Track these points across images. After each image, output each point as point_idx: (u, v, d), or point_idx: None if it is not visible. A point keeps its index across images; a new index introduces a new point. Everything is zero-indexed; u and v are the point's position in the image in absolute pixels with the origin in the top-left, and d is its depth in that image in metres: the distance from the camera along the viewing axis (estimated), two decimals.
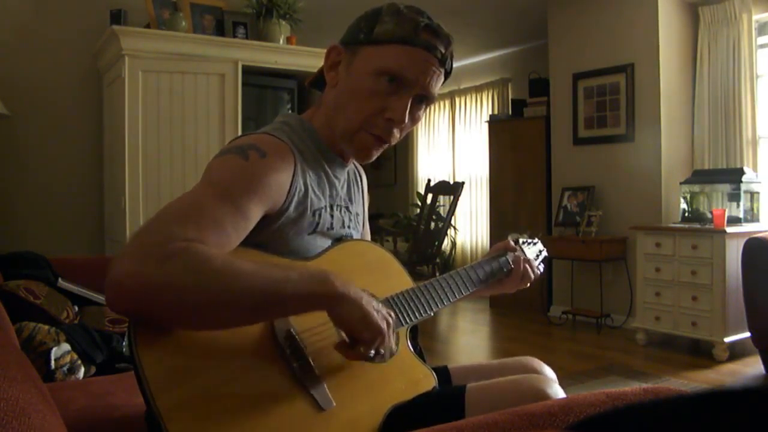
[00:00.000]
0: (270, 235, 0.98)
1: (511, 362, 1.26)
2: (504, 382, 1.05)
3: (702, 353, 3.70)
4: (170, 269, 0.75)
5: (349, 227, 1.14)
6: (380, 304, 0.93)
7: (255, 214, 0.92)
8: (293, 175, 0.99)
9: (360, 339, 0.89)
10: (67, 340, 1.79)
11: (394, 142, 1.07)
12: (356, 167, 1.25)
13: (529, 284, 1.35)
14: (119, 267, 0.76)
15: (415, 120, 1.07)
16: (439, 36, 1.03)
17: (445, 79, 1.08)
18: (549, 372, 1.24)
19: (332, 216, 1.08)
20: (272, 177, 0.95)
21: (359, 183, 1.26)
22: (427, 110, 1.21)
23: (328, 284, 0.85)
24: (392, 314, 0.96)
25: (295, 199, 0.99)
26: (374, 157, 1.09)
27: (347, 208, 1.14)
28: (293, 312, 0.88)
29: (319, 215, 1.05)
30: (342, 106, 1.04)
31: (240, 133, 3.68)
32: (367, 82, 1.02)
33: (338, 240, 1.10)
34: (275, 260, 0.97)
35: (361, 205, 1.25)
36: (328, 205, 1.07)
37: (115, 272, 0.75)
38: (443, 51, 1.03)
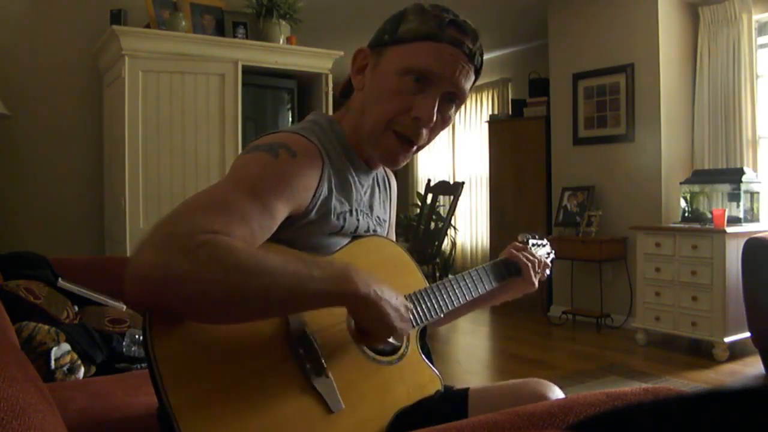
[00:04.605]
0: (290, 234, 0.97)
1: (520, 385, 1.19)
2: (506, 385, 1.04)
3: (702, 353, 3.70)
4: (196, 260, 0.74)
5: (375, 232, 1.13)
6: (401, 301, 0.93)
7: (281, 213, 0.91)
8: (320, 178, 0.98)
9: (373, 336, 0.92)
10: (67, 340, 1.79)
11: (422, 143, 1.04)
12: (386, 172, 1.23)
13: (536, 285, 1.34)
14: (142, 257, 0.74)
15: (445, 120, 1.04)
16: (465, 31, 1.01)
17: (476, 78, 1.05)
18: (559, 394, 1.17)
19: (358, 220, 1.07)
20: (300, 178, 0.94)
21: (388, 189, 1.24)
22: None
23: (351, 283, 0.84)
24: (411, 310, 0.96)
25: (319, 202, 0.98)
26: (402, 163, 1.06)
27: (368, 214, 1.12)
28: (312, 308, 0.89)
29: (344, 219, 1.03)
30: (368, 109, 1.02)
31: (240, 133, 3.68)
32: (393, 82, 1.00)
33: (356, 236, 1.09)
34: (298, 253, 0.96)
35: (388, 210, 1.23)
36: (353, 209, 1.06)
37: (138, 262, 0.74)
38: (471, 46, 1.00)
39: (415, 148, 1.04)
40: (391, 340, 0.96)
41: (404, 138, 1.02)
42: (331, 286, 0.83)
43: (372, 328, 0.90)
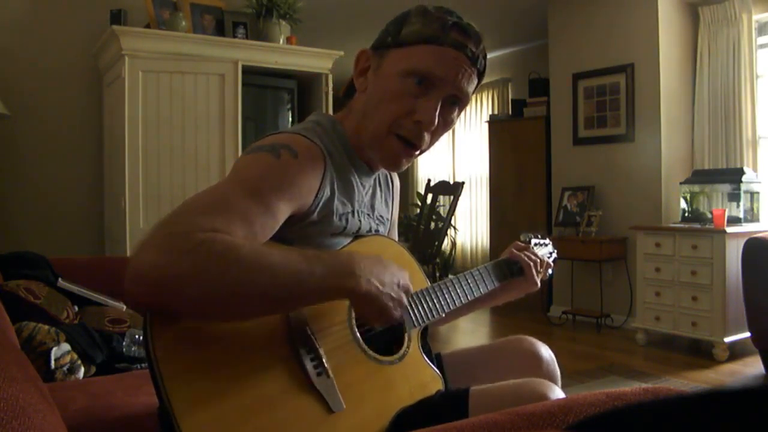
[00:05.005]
0: (292, 234, 0.97)
1: (504, 344, 1.26)
2: (506, 385, 1.05)
3: (702, 353, 3.70)
4: (196, 259, 0.74)
5: (377, 231, 1.14)
6: (402, 284, 0.94)
7: (283, 214, 0.91)
8: (322, 179, 0.98)
9: (373, 324, 0.97)
10: (67, 340, 1.79)
11: (424, 147, 1.04)
12: (388, 172, 1.23)
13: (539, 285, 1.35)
14: (143, 258, 0.74)
15: (447, 123, 1.04)
16: (468, 34, 1.00)
17: (479, 81, 1.05)
18: (544, 350, 1.24)
19: (360, 221, 1.07)
20: (303, 179, 0.94)
21: (390, 186, 1.24)
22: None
23: (353, 279, 0.85)
24: (410, 292, 0.97)
25: (321, 203, 0.98)
26: (404, 167, 1.06)
27: (369, 214, 1.13)
28: (314, 303, 0.89)
29: (347, 220, 1.03)
30: (371, 111, 1.02)
31: (240, 133, 3.69)
32: (395, 84, 0.99)
33: (358, 236, 1.09)
34: (301, 249, 0.97)
35: (390, 207, 1.24)
36: (355, 210, 1.06)
37: (138, 264, 0.74)
38: (474, 49, 1.00)
39: (417, 152, 1.04)
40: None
41: (407, 141, 1.02)
42: (332, 282, 0.84)
43: (372, 321, 0.93)
